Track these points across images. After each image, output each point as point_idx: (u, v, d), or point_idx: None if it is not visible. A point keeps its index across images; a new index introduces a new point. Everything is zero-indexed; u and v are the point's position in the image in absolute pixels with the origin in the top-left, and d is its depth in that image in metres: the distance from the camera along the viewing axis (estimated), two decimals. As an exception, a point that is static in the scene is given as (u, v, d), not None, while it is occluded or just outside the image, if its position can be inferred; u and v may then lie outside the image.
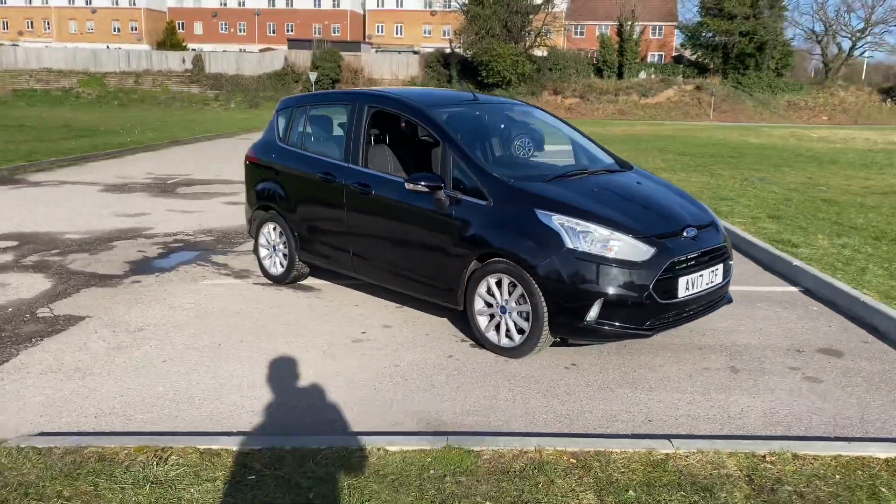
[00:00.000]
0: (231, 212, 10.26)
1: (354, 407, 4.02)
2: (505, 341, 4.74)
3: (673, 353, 4.83)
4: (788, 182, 13.27)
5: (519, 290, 4.57)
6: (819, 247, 7.60)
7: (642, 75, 54.13)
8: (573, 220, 4.45)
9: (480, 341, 4.89)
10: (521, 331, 4.66)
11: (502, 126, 6.03)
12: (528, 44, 51.72)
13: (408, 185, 4.96)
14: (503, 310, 4.70)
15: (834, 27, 53.31)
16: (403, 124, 6.09)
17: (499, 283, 4.71)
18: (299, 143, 6.29)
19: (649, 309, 4.37)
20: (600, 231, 4.40)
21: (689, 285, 4.54)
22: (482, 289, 4.80)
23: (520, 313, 4.64)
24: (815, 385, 4.36)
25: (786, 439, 3.59)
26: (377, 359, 4.73)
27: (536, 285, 4.47)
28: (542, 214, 4.51)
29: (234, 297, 6.10)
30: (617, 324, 4.37)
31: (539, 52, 52.74)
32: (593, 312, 4.35)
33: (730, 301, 5.12)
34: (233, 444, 3.38)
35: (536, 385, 4.33)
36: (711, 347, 4.96)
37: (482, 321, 4.86)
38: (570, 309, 4.38)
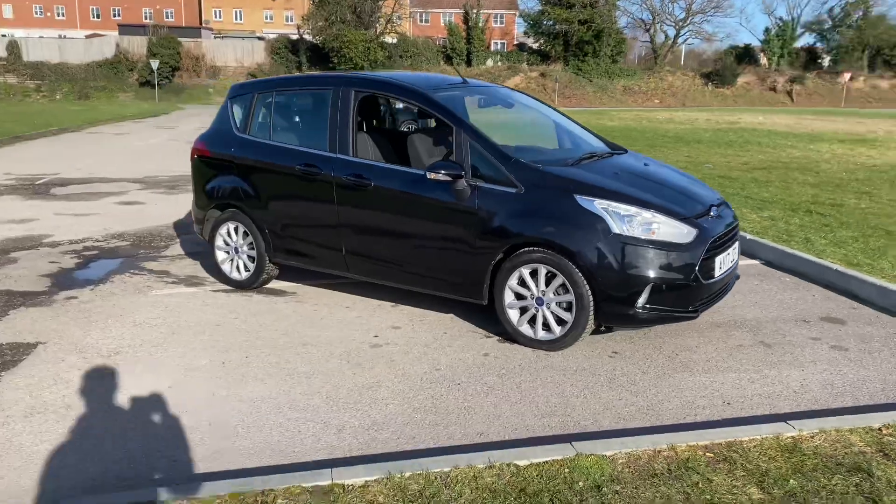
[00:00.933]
0: (131, 213, 9.26)
1: (430, 418, 3.67)
2: (542, 334, 4.54)
3: (698, 333, 4.86)
4: (672, 161, 13.97)
5: (559, 280, 4.38)
6: (752, 220, 8.01)
7: (490, 63, 55.38)
8: (617, 204, 4.32)
9: (512, 336, 4.66)
10: (560, 322, 4.47)
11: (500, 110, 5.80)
12: (378, 30, 51.25)
13: (430, 175, 4.61)
14: (539, 301, 4.50)
15: (660, 16, 57.15)
16: (391, 109, 5.68)
17: (533, 274, 4.49)
18: (265, 132, 5.70)
19: (695, 290, 4.35)
20: (644, 214, 4.30)
21: (722, 264, 4.57)
22: (513, 281, 4.56)
23: (559, 304, 4.45)
24: (846, 353, 4.53)
25: (879, 410, 3.68)
26: (411, 364, 4.37)
27: (581, 274, 4.30)
28: (582, 200, 4.34)
29: (201, 308, 5.44)
30: (666, 308, 4.30)
31: (389, 40, 52.46)
32: (643, 298, 4.25)
33: (738, 277, 5.21)
34: (348, 477, 2.93)
35: (595, 377, 4.18)
36: (727, 324, 5.04)
37: (513, 315, 4.63)
38: (620, 296, 4.26)
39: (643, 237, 4.24)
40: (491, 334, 4.84)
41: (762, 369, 4.28)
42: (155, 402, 3.87)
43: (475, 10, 53.82)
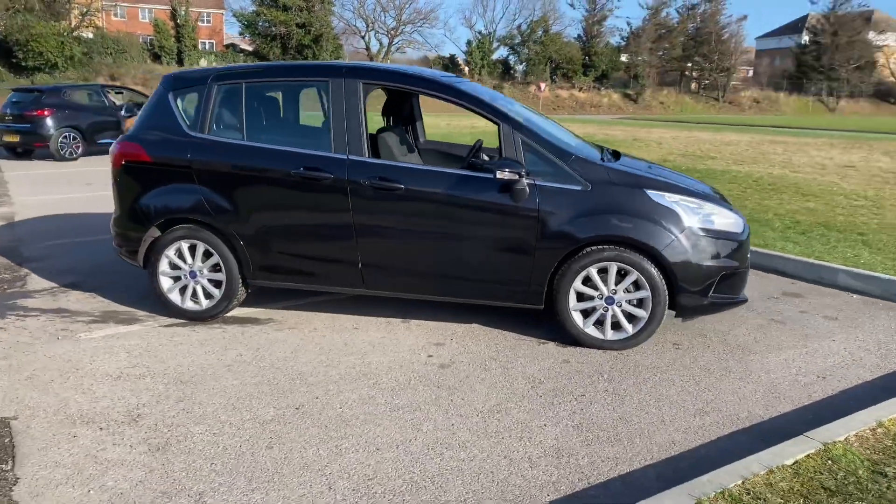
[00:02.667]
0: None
1: (601, 433, 3.39)
2: (612, 334, 4.46)
3: (730, 314, 5.12)
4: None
5: (631, 277, 4.34)
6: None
7: (204, 63, 52.36)
8: (685, 198, 4.39)
9: (575, 339, 4.49)
10: (631, 319, 4.43)
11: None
12: (71, 23, 45.51)
13: (500, 175, 4.24)
14: (609, 301, 4.41)
15: (373, 24, 58.91)
16: (398, 104, 5.11)
17: (601, 273, 4.39)
18: (236, 131, 4.78)
19: (745, 277, 4.59)
20: (706, 206, 4.44)
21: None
22: (577, 282, 4.41)
23: (630, 301, 4.41)
24: (837, 321, 5.13)
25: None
26: (506, 381, 4.00)
27: (657, 269, 4.31)
28: (654, 195, 4.35)
29: (176, 348, 4.41)
30: (728, 295, 4.49)
31: (86, 34, 46.89)
32: (714, 287, 4.39)
33: None
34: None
35: (689, 371, 4.21)
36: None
37: (579, 317, 4.48)
38: (696, 288, 4.34)
39: (711, 228, 4.36)
40: (543, 340, 4.62)
41: (804, 343, 4.67)
42: (236, 469, 3.05)
43: (184, 7, 50.46)
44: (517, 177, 4.22)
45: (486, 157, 5.78)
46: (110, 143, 15.52)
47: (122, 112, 15.59)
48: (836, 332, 4.89)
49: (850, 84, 72.77)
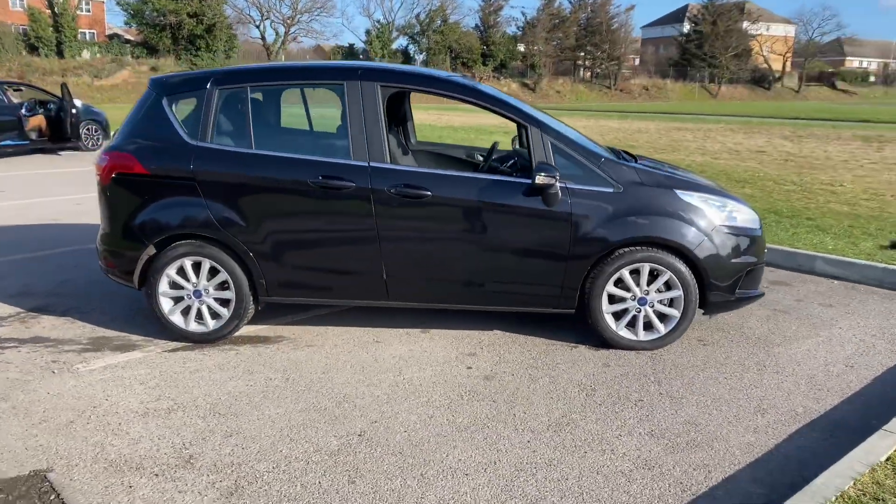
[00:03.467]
0: None
1: (682, 449, 3.39)
2: (644, 335, 4.48)
3: (747, 308, 5.25)
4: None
5: (664, 276, 4.37)
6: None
7: (87, 54, 49.36)
8: (711, 196, 4.45)
9: (608, 341, 4.49)
10: (662, 318, 4.47)
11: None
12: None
13: (540, 179, 4.14)
14: (642, 301, 4.42)
15: (268, 13, 57.19)
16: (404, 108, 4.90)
17: (633, 274, 4.40)
18: (243, 139, 4.46)
19: (762, 271, 4.71)
20: (730, 203, 4.52)
21: None
22: (610, 284, 4.40)
23: (661, 301, 4.44)
24: (834, 308, 5.37)
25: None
26: (556, 393, 3.93)
27: (688, 267, 4.36)
28: (682, 194, 4.38)
29: (196, 376, 4.09)
30: (750, 290, 4.59)
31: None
32: (740, 283, 4.49)
33: None
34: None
35: (727, 368, 4.28)
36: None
37: (611, 319, 4.47)
38: (725, 285, 4.42)
39: (735, 225, 4.45)
40: (572, 343, 4.59)
41: (815, 332, 4.85)
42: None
43: (63, -5, 47.32)
44: (553, 181, 4.15)
45: (479, 157, 5.70)
46: (11, 145, 14.38)
47: (24, 111, 14.42)
48: (838, 320, 5.10)
49: (729, 71, 76.94)
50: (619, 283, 4.39)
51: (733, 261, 4.39)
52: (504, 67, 64.46)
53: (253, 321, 4.82)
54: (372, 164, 4.28)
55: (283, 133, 4.68)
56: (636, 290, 4.38)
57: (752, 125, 26.86)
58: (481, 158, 5.86)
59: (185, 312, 4.53)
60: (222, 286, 4.49)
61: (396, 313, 5.01)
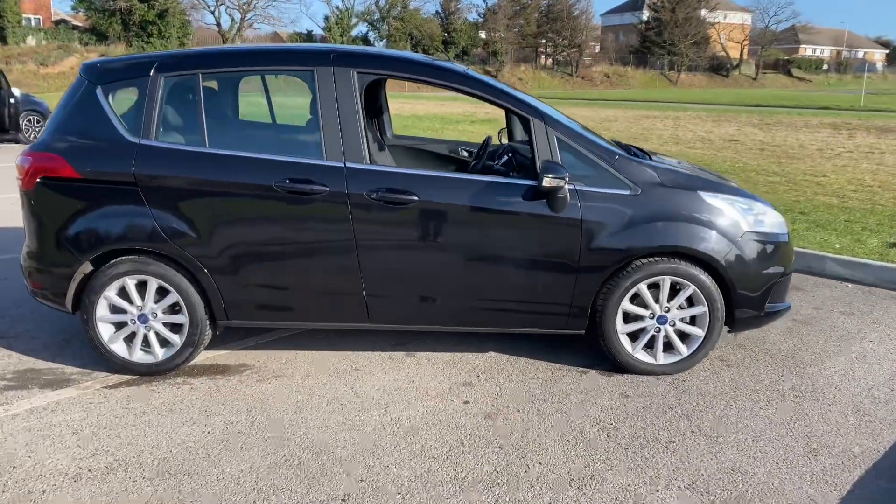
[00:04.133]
0: None
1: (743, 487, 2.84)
2: (664, 357, 3.93)
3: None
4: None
5: (687, 291, 3.82)
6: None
7: (32, 41, 47.32)
8: (737, 198, 3.91)
9: (622, 366, 3.93)
10: (683, 338, 3.92)
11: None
12: None
13: (547, 181, 3.54)
14: (662, 320, 3.87)
15: (224, -1, 55.53)
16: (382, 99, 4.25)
17: (653, 288, 3.84)
18: (194, 135, 3.77)
19: (790, 281, 4.20)
20: (757, 205, 3.99)
21: None
22: (625, 301, 3.84)
23: (683, 318, 3.89)
24: (855, 316, 4.89)
25: None
26: (571, 435, 3.36)
27: (714, 280, 3.81)
28: (708, 196, 3.83)
29: (138, 426, 3.40)
30: (778, 304, 4.07)
31: None
32: (769, 296, 3.97)
33: None
34: None
35: (760, 395, 3.75)
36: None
37: (626, 341, 3.91)
38: (754, 298, 3.89)
39: (762, 230, 3.92)
40: (580, 367, 4.03)
41: (846, 347, 4.36)
42: None
43: (4, -21, 45.16)
44: (562, 183, 3.55)
45: (465, 153, 5.07)
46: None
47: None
48: (866, 332, 4.63)
49: (688, 58, 77.38)
50: (636, 298, 3.83)
51: (762, 271, 3.86)
52: (466, 55, 63.77)
53: (210, 346, 4.15)
54: (348, 164, 3.64)
55: (243, 128, 4.01)
56: (655, 306, 3.83)
57: (719, 113, 26.70)
58: (467, 154, 5.24)
59: (129, 340, 3.85)
60: (173, 309, 3.80)
61: (377, 333, 4.38)
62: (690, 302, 3.85)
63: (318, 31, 60.25)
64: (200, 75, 3.73)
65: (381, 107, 5.21)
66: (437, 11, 64.20)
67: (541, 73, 69.15)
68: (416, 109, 25.42)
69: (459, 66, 4.10)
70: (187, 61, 3.78)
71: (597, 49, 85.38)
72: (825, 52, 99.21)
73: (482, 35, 65.94)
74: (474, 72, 4.10)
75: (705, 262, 3.76)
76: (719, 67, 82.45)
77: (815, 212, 7.85)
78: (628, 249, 3.70)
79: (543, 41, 70.64)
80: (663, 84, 74.17)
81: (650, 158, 4.08)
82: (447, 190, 3.67)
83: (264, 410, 3.50)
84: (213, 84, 3.88)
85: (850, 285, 5.58)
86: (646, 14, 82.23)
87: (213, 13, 56.37)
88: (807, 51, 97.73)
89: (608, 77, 72.76)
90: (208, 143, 3.69)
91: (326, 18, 59.76)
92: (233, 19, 56.74)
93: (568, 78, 69.05)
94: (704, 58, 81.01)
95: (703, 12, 78.94)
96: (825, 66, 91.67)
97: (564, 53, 70.60)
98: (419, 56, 4.09)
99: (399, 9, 60.73)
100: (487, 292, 3.78)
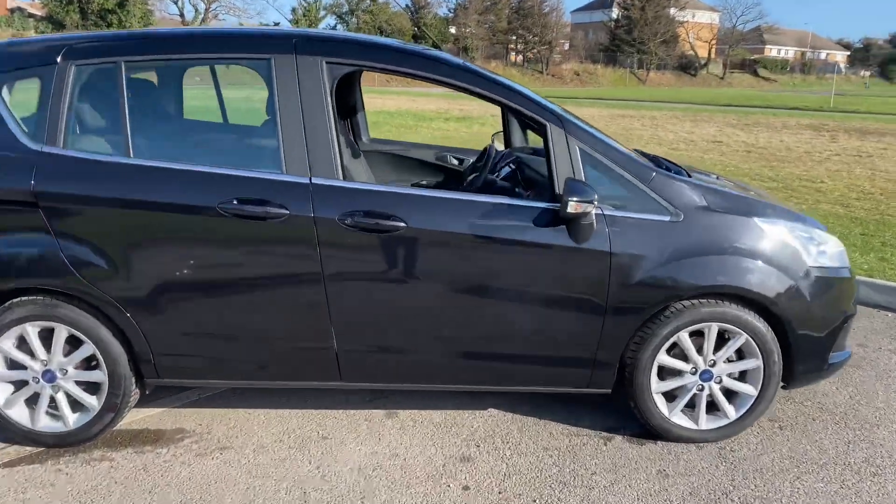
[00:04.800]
0: None
1: None
2: (708, 422, 3.18)
3: None
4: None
5: (738, 340, 3.07)
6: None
7: (-17, 29, 45.31)
8: (796, 225, 3.17)
9: (657, 431, 3.17)
10: (731, 396, 3.18)
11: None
12: None
13: (572, 206, 2.75)
14: (706, 375, 3.12)
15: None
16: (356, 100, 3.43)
17: (695, 337, 3.09)
18: (112, 141, 2.92)
19: (851, 324, 3.47)
20: (816, 232, 3.26)
21: None
22: (662, 352, 3.08)
23: (732, 374, 3.15)
24: (913, 359, 4.22)
25: None
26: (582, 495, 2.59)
27: (770, 327, 3.08)
28: (764, 224, 3.08)
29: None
30: (840, 354, 3.34)
31: None
32: (833, 346, 3.24)
33: None
34: None
35: (830, 471, 3.03)
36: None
37: (661, 401, 3.15)
38: (817, 350, 3.16)
39: (826, 264, 3.18)
40: (601, 433, 3.27)
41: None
42: None
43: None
44: (589, 207, 2.77)
45: (454, 161, 4.28)
46: None
47: None
48: (926, 374, 3.93)
49: (657, 57, 77.46)
50: (674, 349, 3.07)
51: (826, 316, 3.13)
52: (437, 49, 62.83)
53: (142, 400, 3.29)
54: (315, 179, 2.82)
55: (180, 132, 3.16)
56: (698, 359, 3.08)
57: (694, 112, 26.26)
58: (456, 163, 4.44)
59: (32, 403, 2.98)
60: (88, 364, 2.96)
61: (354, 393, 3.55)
62: (741, 354, 3.10)
63: (285, 24, 58.80)
64: (123, 64, 2.87)
65: (356, 105, 4.38)
66: (406, 6, 63.12)
67: (511, 69, 68.45)
68: (387, 105, 24.49)
69: (454, 58, 3.29)
70: (106, 46, 2.92)
71: (566, 47, 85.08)
72: (789, 52, 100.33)
73: (452, 30, 65.04)
74: (472, 64, 3.29)
75: (761, 306, 3.02)
76: (687, 66, 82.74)
77: (825, 222, 7.19)
78: (668, 289, 2.94)
79: (514, 38, 70.01)
80: (632, 82, 74.10)
81: (688, 175, 3.32)
82: (442, 213, 2.87)
83: (207, 499, 2.66)
84: (142, 75, 3.02)
85: (890, 314, 4.90)
86: (615, 12, 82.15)
87: (176, 3, 54.48)
88: (772, 51, 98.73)
89: (578, 75, 72.42)
90: (132, 151, 2.84)
91: (294, 10, 58.45)
92: (196, 9, 55.16)
93: (538, 75, 68.50)
94: (673, 56, 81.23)
95: (673, 11, 79.10)
96: (789, 67, 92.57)
97: (535, 51, 70.05)
98: (404, 44, 3.27)
99: (368, 2, 59.57)
100: (492, 343, 2.99)
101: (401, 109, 22.71)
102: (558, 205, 2.85)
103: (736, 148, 14.43)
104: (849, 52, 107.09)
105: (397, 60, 3.00)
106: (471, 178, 3.70)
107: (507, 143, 4.43)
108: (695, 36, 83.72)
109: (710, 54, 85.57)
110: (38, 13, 50.64)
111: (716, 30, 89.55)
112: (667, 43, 78.77)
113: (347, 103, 4.23)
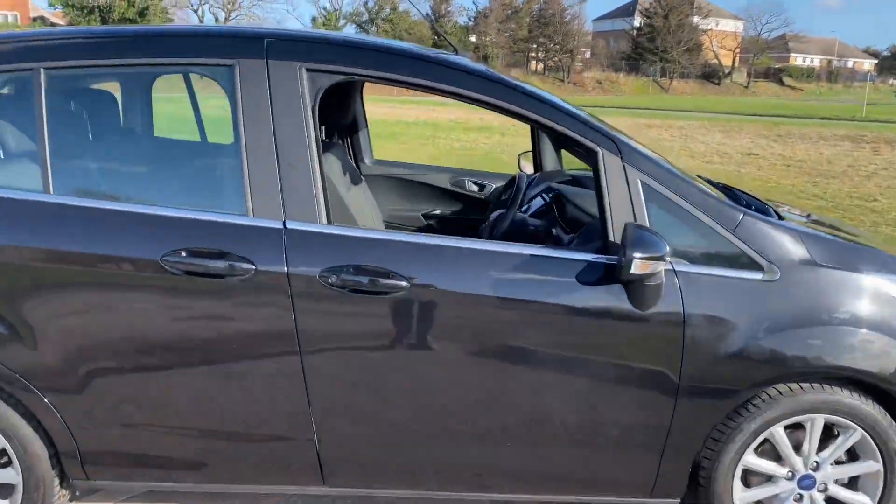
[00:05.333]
0: None
1: None
2: (807, 541, 2.40)
3: None
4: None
5: (851, 436, 2.31)
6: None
7: None
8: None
9: (738, 553, 2.40)
10: (837, 509, 2.41)
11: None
12: None
13: (639, 265, 2.01)
14: (806, 482, 2.36)
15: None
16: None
17: (792, 431, 2.32)
18: (26, 172, 2.22)
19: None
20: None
21: None
22: (749, 452, 2.32)
23: (840, 480, 2.40)
24: None
25: None
26: None
27: (894, 420, 2.30)
28: (882, 281, 2.31)
29: None
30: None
31: None
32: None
33: None
34: None
35: None
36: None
37: (747, 515, 2.38)
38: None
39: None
40: (670, 551, 2.47)
41: None
42: None
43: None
44: (660, 264, 2.02)
45: (474, 187, 3.56)
46: None
47: None
48: None
49: (680, 65, 76.42)
50: (763, 446, 2.31)
51: (966, 400, 2.34)
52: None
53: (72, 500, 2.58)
54: (291, 223, 2.11)
55: (114, 161, 2.43)
56: (796, 461, 2.32)
57: (723, 122, 25.36)
58: (476, 189, 3.71)
59: (-80, 512, 2.29)
60: (1, 460, 2.25)
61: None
62: (853, 454, 2.34)
63: (304, 33, 58.64)
64: (42, 72, 2.17)
65: (356, 120, 3.66)
66: (427, 14, 62.71)
67: (532, 78, 67.77)
68: (406, 115, 23.85)
69: (476, 64, 2.56)
70: (21, 49, 2.22)
71: (588, 55, 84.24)
72: (815, 61, 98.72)
73: (472, 39, 64.50)
74: (496, 72, 2.56)
75: (883, 393, 2.25)
76: (711, 75, 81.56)
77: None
78: (759, 370, 2.19)
79: (535, 46, 69.32)
80: (655, 91, 73.07)
81: (777, 214, 2.56)
82: (459, 269, 2.14)
83: None
84: (65, 86, 2.32)
85: None
86: (638, 20, 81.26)
87: (196, 12, 54.44)
88: (797, 60, 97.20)
89: (600, 83, 71.54)
90: (52, 185, 2.13)
91: (314, 20, 58.21)
92: (216, 18, 54.98)
93: (560, 84, 67.72)
94: (696, 65, 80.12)
95: (696, 19, 78.08)
96: (815, 76, 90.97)
97: (556, 59, 69.29)
98: (413, 47, 2.55)
99: (388, 10, 59.21)
100: (523, 439, 2.25)
101: (419, 120, 22.06)
102: (613, 258, 2.11)
103: (773, 161, 13.60)
104: (876, 61, 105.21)
105: (401, 68, 2.27)
106: (495, 215, 2.96)
107: (538, 165, 3.70)
108: (718, 44, 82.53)
109: (733, 63, 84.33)
110: (60, 22, 50.82)
111: (740, 38, 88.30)
112: (690, 51, 77.72)
113: (346, 119, 3.52)
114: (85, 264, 2.11)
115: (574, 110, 2.33)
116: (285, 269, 2.09)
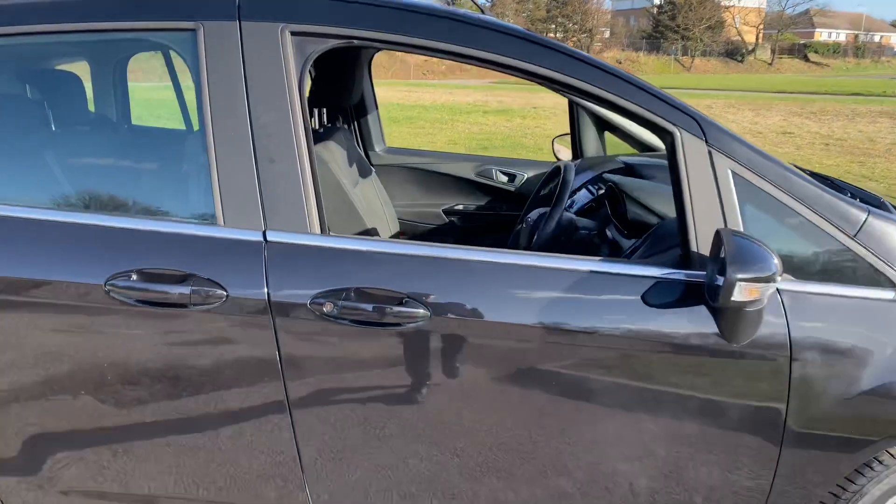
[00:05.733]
0: None
1: None
2: None
3: None
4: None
5: None
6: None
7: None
8: None
9: None
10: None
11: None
12: None
13: (743, 291, 1.47)
14: (945, 557, 1.80)
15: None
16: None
17: (928, 495, 1.78)
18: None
19: None
20: None
21: None
22: (874, 517, 1.78)
23: None
24: None
25: None
26: None
27: None
28: None
29: None
30: None
31: None
32: None
33: None
34: None
35: None
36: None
37: None
38: None
39: None
40: None
41: None
42: None
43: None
44: (768, 287, 1.47)
45: (503, 178, 3.02)
46: None
47: None
48: None
49: (702, 43, 74.88)
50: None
51: None
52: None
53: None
54: (273, 234, 1.59)
55: (53, 155, 1.93)
56: (933, 530, 1.76)
57: (750, 100, 24.48)
58: (505, 179, 3.17)
59: None
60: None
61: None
62: None
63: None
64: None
65: (364, 101, 3.13)
66: (442, -5, 61.82)
67: (551, 59, 66.74)
68: (423, 98, 23.26)
69: (508, 24, 2.01)
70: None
71: (607, 34, 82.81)
72: (840, 35, 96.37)
73: (490, 20, 63.56)
74: (538, 35, 2.00)
75: None
76: (734, 52, 79.88)
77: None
78: (892, 415, 1.64)
79: (553, 26, 68.22)
80: (677, 70, 71.70)
81: (891, 209, 2.00)
82: (493, 289, 1.61)
83: None
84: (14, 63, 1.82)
85: None
86: (656, -3, 79.82)
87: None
88: (822, 35, 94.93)
89: (620, 63, 70.23)
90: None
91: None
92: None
93: (579, 64, 66.59)
94: (719, 42, 78.51)
95: (718, -5, 76.48)
96: (841, 51, 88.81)
97: (575, 39, 68.16)
98: (430, 3, 2.00)
99: None
100: (574, 498, 1.74)
101: (436, 103, 21.47)
102: (697, 273, 1.58)
103: (810, 140, 12.89)
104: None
105: (418, 28, 1.73)
106: (535, 215, 2.40)
107: (577, 151, 3.15)
108: (741, 21, 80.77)
109: (757, 39, 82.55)
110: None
111: (763, 14, 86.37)
112: (712, 28, 76.13)
113: (351, 98, 2.98)
114: (10, 291, 1.61)
115: (637, 80, 1.78)
116: (265, 294, 1.59)
